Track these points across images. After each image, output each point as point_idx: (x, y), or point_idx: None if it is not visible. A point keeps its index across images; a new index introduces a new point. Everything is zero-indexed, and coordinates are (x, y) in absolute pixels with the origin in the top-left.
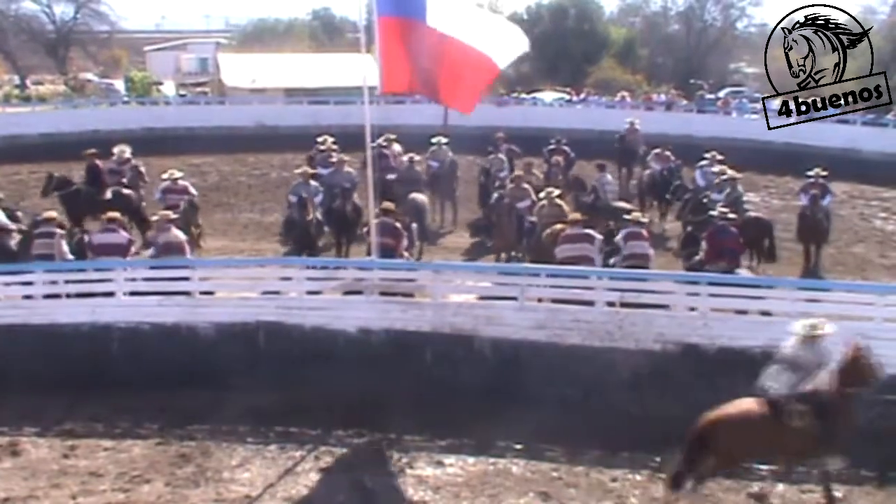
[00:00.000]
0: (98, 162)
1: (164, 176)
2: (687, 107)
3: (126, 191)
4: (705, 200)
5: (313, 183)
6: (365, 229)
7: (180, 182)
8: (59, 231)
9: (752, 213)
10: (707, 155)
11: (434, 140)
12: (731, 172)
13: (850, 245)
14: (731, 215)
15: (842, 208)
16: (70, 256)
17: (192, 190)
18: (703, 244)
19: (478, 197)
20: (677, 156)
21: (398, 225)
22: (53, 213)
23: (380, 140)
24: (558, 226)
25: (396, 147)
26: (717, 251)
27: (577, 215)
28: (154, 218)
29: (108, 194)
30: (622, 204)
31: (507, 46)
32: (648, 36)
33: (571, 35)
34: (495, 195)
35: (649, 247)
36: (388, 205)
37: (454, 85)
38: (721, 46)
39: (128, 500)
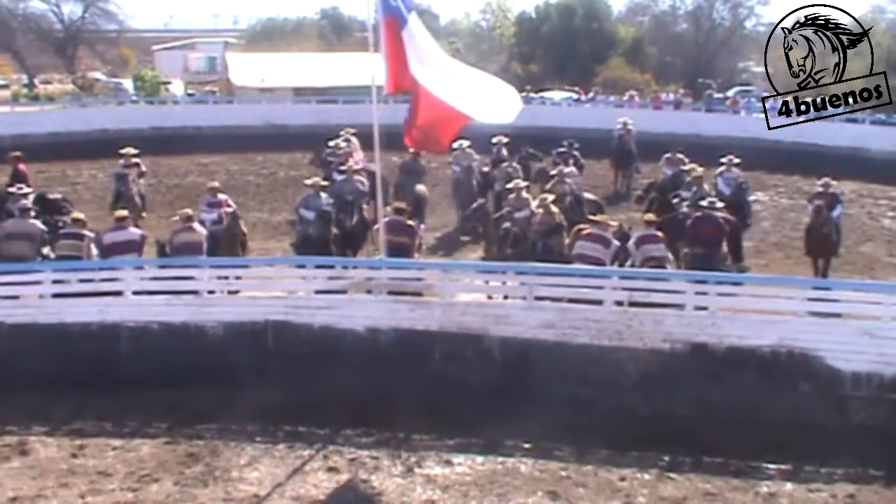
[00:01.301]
0: (22, 165)
1: (211, 184)
2: (695, 106)
3: (53, 195)
4: (675, 200)
5: (323, 195)
6: (375, 227)
7: (220, 195)
8: (87, 234)
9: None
10: (724, 160)
11: (455, 144)
12: (699, 171)
13: (859, 244)
14: (720, 204)
15: (850, 207)
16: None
17: (230, 202)
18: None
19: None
20: (685, 156)
21: (411, 223)
22: (81, 215)
23: (338, 141)
24: (582, 225)
25: (355, 141)
26: (694, 237)
27: (604, 217)
28: (174, 218)
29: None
30: (585, 195)
31: (493, 103)
32: (657, 35)
33: (580, 34)
34: (475, 204)
35: (665, 248)
36: (399, 204)
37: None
38: (729, 46)
39: (136, 499)
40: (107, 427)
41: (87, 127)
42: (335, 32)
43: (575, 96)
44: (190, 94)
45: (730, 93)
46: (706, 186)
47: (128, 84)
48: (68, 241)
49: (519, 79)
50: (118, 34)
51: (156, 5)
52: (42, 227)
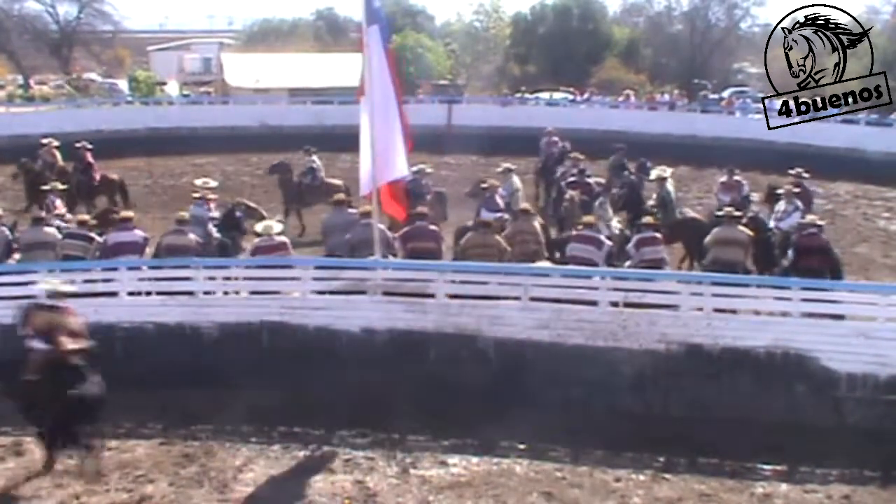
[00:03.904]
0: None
1: (258, 228)
2: (690, 107)
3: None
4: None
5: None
6: (394, 235)
7: (276, 238)
8: (97, 237)
9: (690, 214)
10: (780, 191)
11: (501, 169)
12: (656, 172)
13: (854, 245)
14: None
15: (845, 208)
16: None
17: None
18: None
19: None
20: (679, 157)
21: (435, 228)
22: (86, 217)
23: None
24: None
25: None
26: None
27: (591, 218)
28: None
29: None
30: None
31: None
32: (652, 36)
33: (575, 35)
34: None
35: (664, 251)
36: (421, 209)
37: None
38: (725, 46)
39: (131, 499)
40: (101, 428)
41: (81, 128)
42: (331, 33)
43: (570, 97)
44: (185, 95)
45: (725, 94)
46: (668, 187)
47: (123, 85)
48: (74, 241)
49: (515, 79)
50: (113, 35)
51: (151, 6)
52: (59, 235)
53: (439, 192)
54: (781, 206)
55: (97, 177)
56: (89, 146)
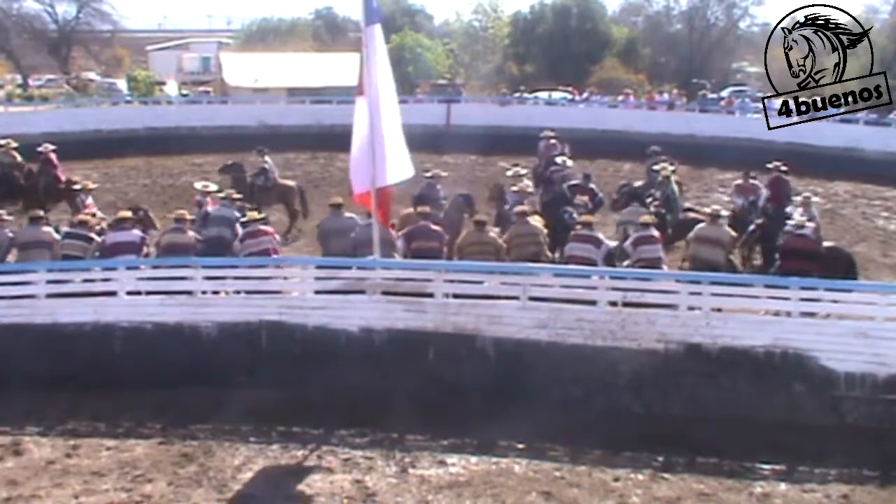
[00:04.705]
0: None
1: (249, 218)
2: (689, 106)
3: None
4: (649, 199)
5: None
6: (397, 234)
7: (263, 227)
8: (95, 237)
9: (691, 214)
10: (798, 197)
11: (511, 172)
12: (669, 170)
13: (853, 244)
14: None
15: (844, 208)
16: None
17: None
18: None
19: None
20: (678, 156)
21: (438, 228)
22: (87, 217)
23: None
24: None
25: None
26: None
27: (589, 218)
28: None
29: None
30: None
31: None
32: (651, 35)
33: (574, 34)
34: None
35: (660, 250)
36: (423, 209)
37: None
38: (724, 46)
39: (130, 499)
40: (101, 427)
41: (80, 127)
42: (329, 33)
43: (569, 96)
44: (184, 95)
45: (724, 93)
46: (674, 186)
47: (122, 84)
48: (74, 241)
49: (513, 79)
50: (112, 34)
51: (150, 5)
52: (56, 234)
53: (466, 194)
54: (797, 213)
55: (63, 178)
56: (52, 147)
